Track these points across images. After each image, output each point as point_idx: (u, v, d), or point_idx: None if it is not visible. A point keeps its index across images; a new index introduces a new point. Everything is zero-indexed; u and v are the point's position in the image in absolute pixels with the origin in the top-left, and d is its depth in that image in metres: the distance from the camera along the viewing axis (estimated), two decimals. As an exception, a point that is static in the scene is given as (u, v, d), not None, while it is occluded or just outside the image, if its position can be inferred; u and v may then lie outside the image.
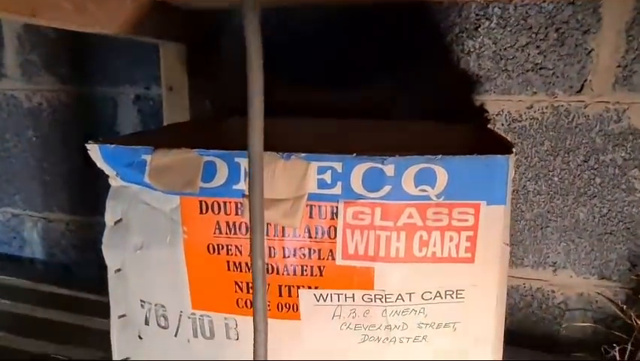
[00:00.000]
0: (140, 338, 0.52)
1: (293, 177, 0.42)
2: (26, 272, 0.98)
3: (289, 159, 0.42)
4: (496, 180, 0.41)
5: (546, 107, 0.70)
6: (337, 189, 0.42)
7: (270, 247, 0.44)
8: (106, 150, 0.47)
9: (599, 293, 0.72)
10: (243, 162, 0.43)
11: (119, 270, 0.51)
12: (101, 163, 0.48)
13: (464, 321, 0.44)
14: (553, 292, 0.75)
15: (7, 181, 1.01)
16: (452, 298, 0.43)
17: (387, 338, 0.45)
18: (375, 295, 0.44)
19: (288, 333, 0.46)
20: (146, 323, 0.50)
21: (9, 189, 1.02)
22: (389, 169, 0.41)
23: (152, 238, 0.47)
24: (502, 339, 0.45)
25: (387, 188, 0.41)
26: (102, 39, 0.83)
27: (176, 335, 0.49)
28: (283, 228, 0.43)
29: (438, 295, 0.43)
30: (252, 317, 0.47)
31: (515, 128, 0.72)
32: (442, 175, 0.41)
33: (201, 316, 0.48)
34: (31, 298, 0.83)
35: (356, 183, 0.41)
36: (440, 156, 0.40)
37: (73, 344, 0.71)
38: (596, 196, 0.70)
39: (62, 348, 0.70)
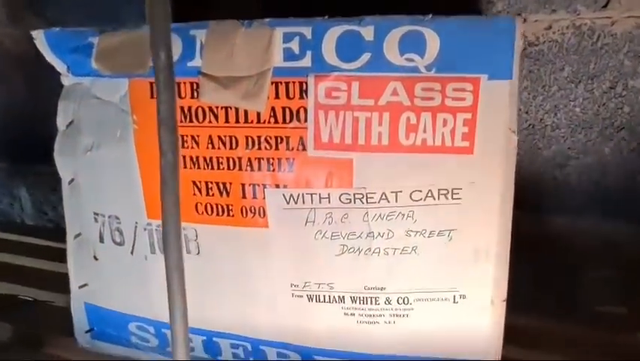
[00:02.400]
0: (96, 258, 0.46)
1: (255, 49, 0.35)
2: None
3: (250, 27, 0.35)
4: (500, 47, 0.34)
5: (567, 27, 0.62)
6: (307, 61, 0.35)
7: (230, 137, 0.37)
8: (51, 35, 0.41)
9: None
10: (199, 35, 0.36)
11: (72, 181, 0.45)
12: (49, 55, 0.42)
13: (461, 228, 0.37)
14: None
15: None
16: (447, 198, 0.36)
17: (370, 249, 0.38)
18: (354, 195, 0.37)
19: (254, 244, 0.39)
20: (101, 239, 0.44)
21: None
22: (367, 32, 0.34)
23: (102, 136, 0.41)
24: (508, 250, 0.37)
25: (365, 57, 0.34)
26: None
27: (132, 252, 0.43)
28: (245, 112, 0.37)
29: (429, 195, 0.36)
30: (215, 226, 0.40)
31: (531, 53, 0.64)
32: (433, 41, 0.34)
33: (158, 227, 0.41)
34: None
35: (329, 51, 0.34)
36: (430, 17, 0.33)
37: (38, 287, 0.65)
38: (623, 128, 0.62)
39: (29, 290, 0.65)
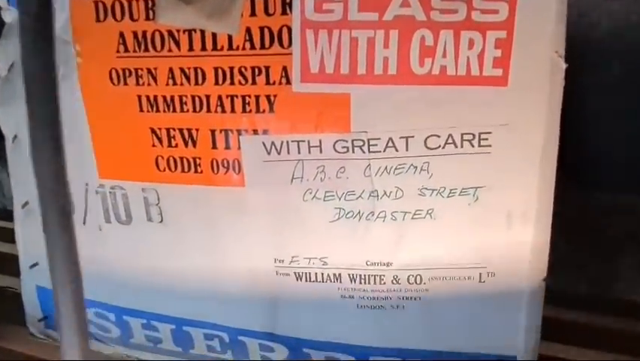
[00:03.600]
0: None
1: (225, -50, 0.28)
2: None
3: None
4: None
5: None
6: (290, -37, 0.27)
7: (195, 69, 0.29)
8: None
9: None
10: (154, -63, 0.29)
11: (15, 137, 0.38)
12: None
13: (491, 185, 0.29)
14: None
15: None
16: (472, 146, 0.28)
17: (373, 213, 0.30)
18: (353, 142, 0.29)
19: (228, 208, 0.31)
20: (49, 207, 0.37)
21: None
22: None
23: (43, 76, 0.33)
24: (550, 214, 0.29)
25: (367, -46, 0.26)
26: None
27: (84, 222, 0.36)
28: (214, 37, 0.29)
29: (450, 141, 0.28)
30: (180, 186, 0.33)
31: None
32: None
33: (112, 188, 0.34)
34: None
35: (319, -52, 0.26)
36: None
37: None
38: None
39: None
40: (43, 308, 0.41)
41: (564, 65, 0.27)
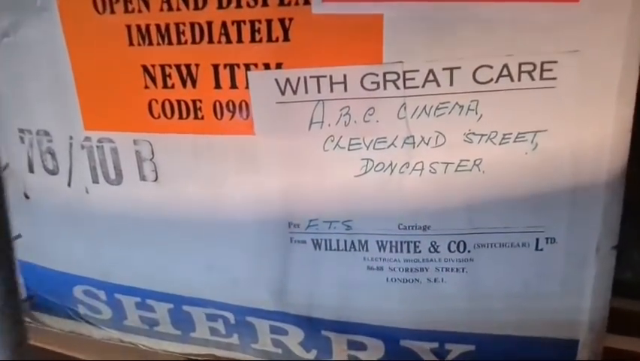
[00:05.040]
0: (27, 197, 0.34)
1: None
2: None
3: None
4: None
5: None
6: None
7: (195, -10, 0.24)
8: None
9: None
10: None
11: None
12: None
13: (554, 129, 0.23)
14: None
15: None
16: (532, 79, 0.23)
17: (408, 165, 0.25)
18: (385, 75, 0.24)
19: (233, 161, 0.26)
20: (30, 168, 0.32)
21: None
22: None
23: (19, 12, 0.28)
24: (625, 165, 0.24)
25: None
26: None
27: (69, 184, 0.31)
28: (216, -52, 0.24)
29: (505, 72, 0.23)
30: (178, 136, 0.28)
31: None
32: None
33: (100, 141, 0.29)
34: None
35: None
36: None
37: None
38: None
39: None
40: (27, 286, 0.37)
41: (651, -25, 0.21)
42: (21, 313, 0.19)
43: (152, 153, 0.28)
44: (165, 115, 0.27)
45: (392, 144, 0.24)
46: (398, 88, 0.23)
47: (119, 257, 0.32)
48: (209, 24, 0.24)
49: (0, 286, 0.18)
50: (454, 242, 0.26)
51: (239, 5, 0.24)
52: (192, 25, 0.25)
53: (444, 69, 0.23)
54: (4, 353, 0.18)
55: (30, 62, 0.29)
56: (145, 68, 0.26)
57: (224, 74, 0.25)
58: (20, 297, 0.36)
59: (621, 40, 0.22)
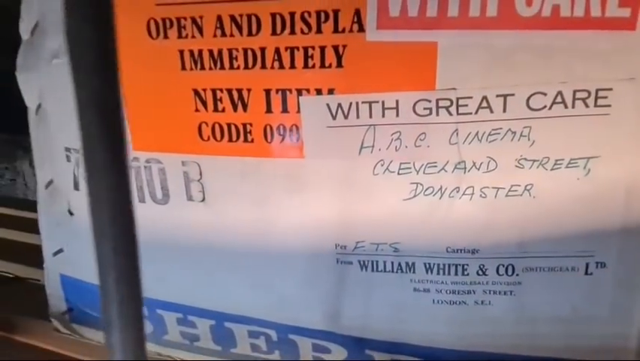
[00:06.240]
0: (71, 213, 0.34)
1: None
2: None
3: None
4: None
5: None
6: None
7: (248, 17, 0.24)
8: None
9: None
10: None
11: (39, 107, 0.34)
12: None
13: (607, 155, 0.23)
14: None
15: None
16: (587, 106, 0.23)
17: (458, 190, 0.25)
18: (437, 102, 0.24)
19: (284, 183, 0.27)
20: (76, 186, 0.33)
21: None
22: None
23: (71, 34, 0.29)
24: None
25: None
26: None
27: (115, 202, 0.31)
28: (271, -23, 0.24)
29: (558, 100, 0.23)
30: (227, 158, 0.28)
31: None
32: None
33: (147, 162, 0.29)
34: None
35: None
36: None
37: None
38: None
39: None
40: (67, 299, 0.38)
41: None
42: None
43: (200, 174, 0.28)
44: (215, 137, 0.27)
45: (443, 168, 0.25)
46: (451, 114, 0.24)
47: (162, 274, 0.32)
48: (263, 50, 0.25)
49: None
50: (503, 265, 0.26)
51: (292, 32, 0.24)
52: (245, 50, 0.25)
53: (497, 96, 0.23)
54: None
55: (79, 83, 0.30)
56: (196, 92, 0.27)
57: (276, 99, 0.25)
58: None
59: (679, 67, 0.22)
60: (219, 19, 0.25)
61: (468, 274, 0.26)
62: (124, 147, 0.10)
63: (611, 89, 0.23)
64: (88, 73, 0.10)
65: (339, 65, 0.24)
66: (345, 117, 0.25)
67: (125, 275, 0.11)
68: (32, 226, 0.45)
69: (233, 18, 0.25)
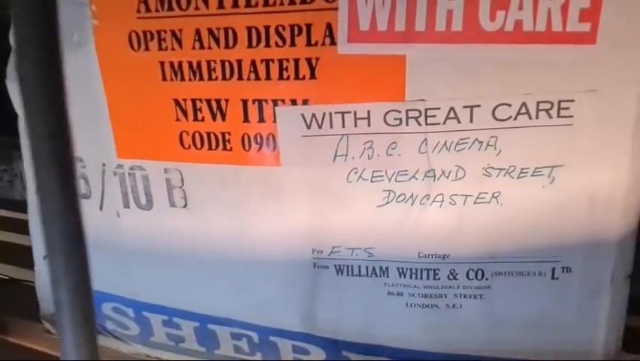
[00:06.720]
0: (59, 218, 0.35)
1: None
2: None
3: None
4: None
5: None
6: None
7: (225, 30, 0.25)
8: None
9: None
10: None
11: (28, 115, 0.35)
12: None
13: (571, 164, 0.24)
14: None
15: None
16: (550, 117, 0.24)
17: (429, 197, 0.26)
18: (407, 112, 0.25)
19: (260, 191, 0.28)
20: (64, 191, 0.34)
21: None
22: None
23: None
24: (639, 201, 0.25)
25: None
26: None
27: (101, 208, 0.32)
28: (247, -9, 0.25)
29: (523, 110, 0.24)
30: (207, 166, 0.29)
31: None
32: None
33: (132, 169, 0.30)
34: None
35: None
36: None
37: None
38: None
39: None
40: (57, 302, 0.38)
41: (666, 19, 0.22)
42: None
43: (182, 181, 0.29)
44: (195, 146, 0.28)
45: (413, 176, 0.26)
46: (420, 124, 0.25)
47: (147, 277, 0.33)
48: (239, 62, 0.26)
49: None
50: (473, 270, 0.27)
51: (267, 45, 0.25)
52: (223, 62, 0.26)
53: (464, 107, 0.24)
54: None
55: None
56: (177, 102, 0.28)
57: (253, 109, 0.26)
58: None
59: (637, 79, 0.23)
60: (198, 32, 0.26)
61: (439, 279, 0.27)
62: (70, 147, 0.11)
63: (573, 101, 0.23)
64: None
65: (313, 76, 0.25)
66: (320, 127, 0.26)
67: (76, 280, 0.12)
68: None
69: (211, 31, 0.26)
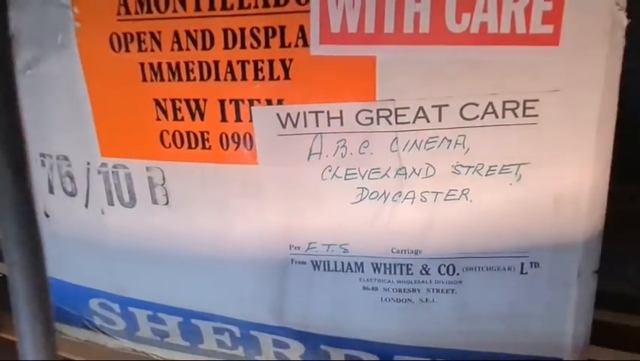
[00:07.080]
0: (47, 215, 0.36)
1: None
2: None
3: None
4: None
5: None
6: None
7: (202, 32, 0.26)
8: None
9: None
10: None
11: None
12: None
13: (537, 162, 0.25)
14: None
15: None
16: (516, 116, 0.24)
17: (400, 194, 0.27)
18: (378, 112, 0.25)
19: (238, 188, 0.28)
20: (50, 190, 0.34)
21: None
22: None
23: (42, 46, 0.31)
24: (605, 197, 0.25)
25: None
26: None
27: (87, 205, 0.33)
28: (222, -6, 0.26)
29: (490, 110, 0.24)
30: (187, 164, 0.30)
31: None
32: None
33: (115, 167, 0.31)
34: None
35: None
36: None
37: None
38: None
39: None
40: (46, 298, 0.39)
41: (626, 21, 0.23)
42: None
43: (164, 179, 0.30)
44: (175, 145, 0.29)
45: (385, 174, 0.26)
46: (390, 123, 0.25)
47: (132, 273, 0.34)
48: (216, 63, 0.26)
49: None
50: (444, 265, 0.27)
51: (243, 46, 0.26)
52: (200, 63, 0.27)
53: (433, 106, 0.25)
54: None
55: (51, 93, 0.31)
56: (157, 102, 0.28)
57: (230, 109, 0.27)
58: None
59: (599, 79, 0.24)
60: (176, 34, 0.27)
61: (412, 274, 0.28)
62: (23, 147, 0.12)
63: (537, 100, 0.24)
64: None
65: (287, 77, 0.26)
66: (294, 126, 0.26)
67: (32, 279, 0.12)
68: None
69: (188, 33, 0.26)
